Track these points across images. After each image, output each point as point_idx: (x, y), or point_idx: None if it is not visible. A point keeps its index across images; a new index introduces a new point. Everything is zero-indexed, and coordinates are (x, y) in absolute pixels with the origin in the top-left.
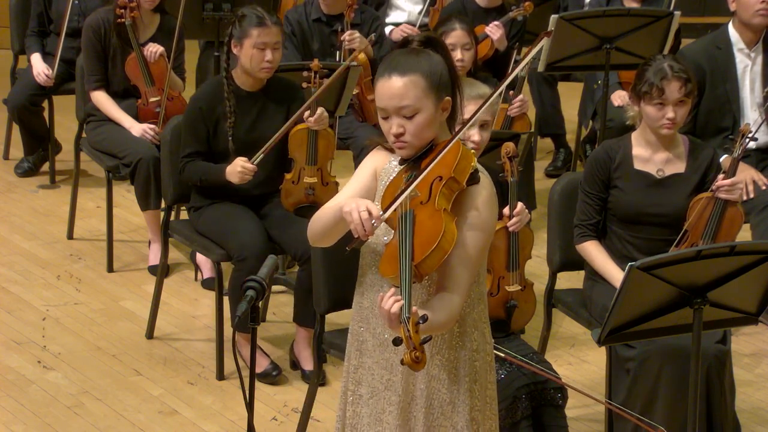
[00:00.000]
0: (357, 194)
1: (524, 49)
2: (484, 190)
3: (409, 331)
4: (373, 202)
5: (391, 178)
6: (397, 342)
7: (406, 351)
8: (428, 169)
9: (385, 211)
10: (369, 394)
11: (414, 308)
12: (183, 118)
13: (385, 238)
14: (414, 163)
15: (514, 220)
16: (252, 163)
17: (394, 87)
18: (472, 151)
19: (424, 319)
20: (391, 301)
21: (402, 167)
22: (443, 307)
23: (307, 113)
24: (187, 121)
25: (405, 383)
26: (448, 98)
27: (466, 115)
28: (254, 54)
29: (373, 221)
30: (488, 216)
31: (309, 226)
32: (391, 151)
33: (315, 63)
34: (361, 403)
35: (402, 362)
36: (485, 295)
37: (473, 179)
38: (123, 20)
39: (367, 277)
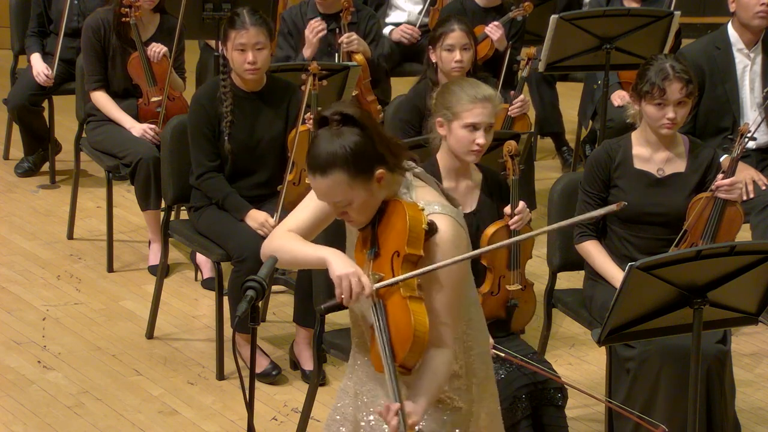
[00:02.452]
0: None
1: (524, 49)
2: (445, 234)
3: None
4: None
5: (353, 238)
6: None
7: None
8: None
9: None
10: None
11: (410, 421)
12: (189, 120)
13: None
14: (370, 228)
15: (515, 218)
16: None
17: (320, 187)
18: (419, 209)
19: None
20: (395, 421)
21: (359, 231)
22: (433, 372)
23: (308, 114)
24: (193, 121)
25: None
26: (380, 170)
27: (469, 120)
28: (235, 56)
29: (366, 295)
30: (455, 263)
31: (272, 246)
32: None
33: (313, 65)
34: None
35: None
36: (477, 300)
37: (432, 233)
38: (128, 19)
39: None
